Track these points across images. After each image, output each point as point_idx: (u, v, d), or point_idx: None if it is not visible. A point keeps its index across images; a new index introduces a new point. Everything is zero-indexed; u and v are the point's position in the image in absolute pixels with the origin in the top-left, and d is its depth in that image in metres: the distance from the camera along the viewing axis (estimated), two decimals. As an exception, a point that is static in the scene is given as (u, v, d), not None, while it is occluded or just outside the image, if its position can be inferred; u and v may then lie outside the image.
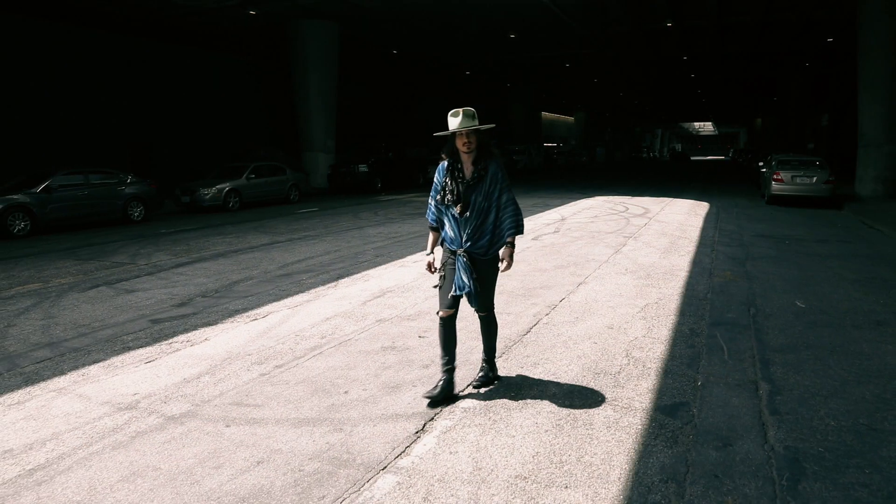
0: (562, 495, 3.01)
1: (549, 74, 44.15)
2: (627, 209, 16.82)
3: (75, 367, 4.92)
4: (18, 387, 4.55)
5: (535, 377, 4.55)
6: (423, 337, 5.54)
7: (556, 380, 4.50)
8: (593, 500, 2.97)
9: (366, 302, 6.88)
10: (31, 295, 7.54)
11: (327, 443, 3.57)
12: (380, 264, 9.10)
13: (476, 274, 3.93)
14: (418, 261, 9.26)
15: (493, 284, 4.09)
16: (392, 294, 7.22)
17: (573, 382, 4.45)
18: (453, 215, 3.94)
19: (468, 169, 3.98)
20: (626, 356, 4.99)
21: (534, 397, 4.18)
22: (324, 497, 3.02)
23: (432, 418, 3.89)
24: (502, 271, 4.04)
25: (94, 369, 4.88)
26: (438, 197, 4.01)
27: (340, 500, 3.00)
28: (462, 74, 42.05)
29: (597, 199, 19.96)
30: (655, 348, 5.19)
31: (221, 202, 18.33)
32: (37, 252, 11.03)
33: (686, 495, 3.01)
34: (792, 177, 17.69)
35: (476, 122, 3.91)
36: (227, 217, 16.67)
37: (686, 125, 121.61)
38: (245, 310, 6.62)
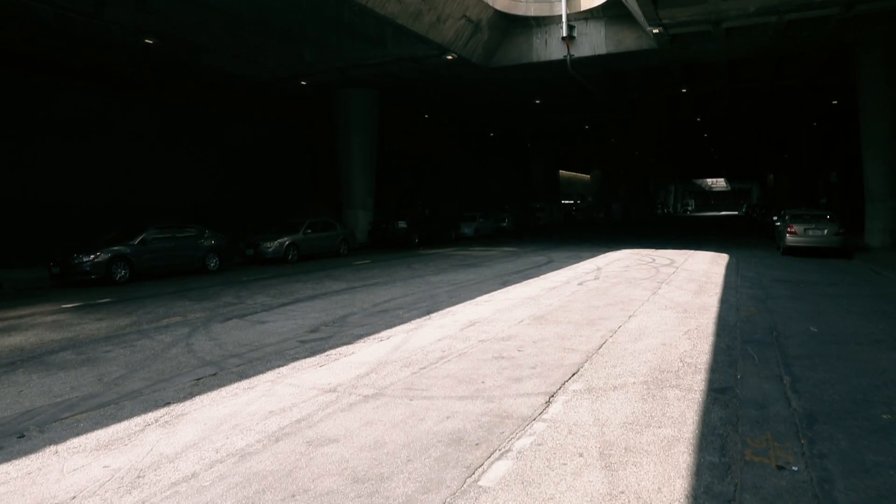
0: (658, 431, 4.63)
1: (569, 135, 46.79)
2: (654, 260, 18.49)
3: (269, 369, 6.62)
4: (238, 379, 6.23)
5: (616, 374, 6.18)
6: (521, 350, 7.20)
7: (631, 375, 6.13)
8: (679, 433, 4.58)
9: (462, 329, 8.56)
10: (181, 325, 9.29)
11: (487, 408, 5.21)
12: (456, 303, 10.79)
13: None
14: (489, 300, 10.94)
15: None
16: (480, 324, 8.90)
17: (644, 377, 6.08)
18: None
19: None
20: (680, 361, 6.62)
21: (620, 385, 5.81)
22: (502, 432, 4.65)
23: (553, 395, 5.52)
24: None
25: (284, 370, 6.57)
26: None
27: (514, 434, 4.63)
28: (487, 134, 44.69)
29: (624, 252, 21.67)
30: (702, 357, 6.80)
31: (282, 254, 20.20)
32: (151, 294, 12.83)
33: (739, 431, 4.62)
34: (805, 229, 19.32)
35: None
36: (291, 268, 18.51)
37: (699, 181, 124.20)
38: (368, 334, 8.32)
